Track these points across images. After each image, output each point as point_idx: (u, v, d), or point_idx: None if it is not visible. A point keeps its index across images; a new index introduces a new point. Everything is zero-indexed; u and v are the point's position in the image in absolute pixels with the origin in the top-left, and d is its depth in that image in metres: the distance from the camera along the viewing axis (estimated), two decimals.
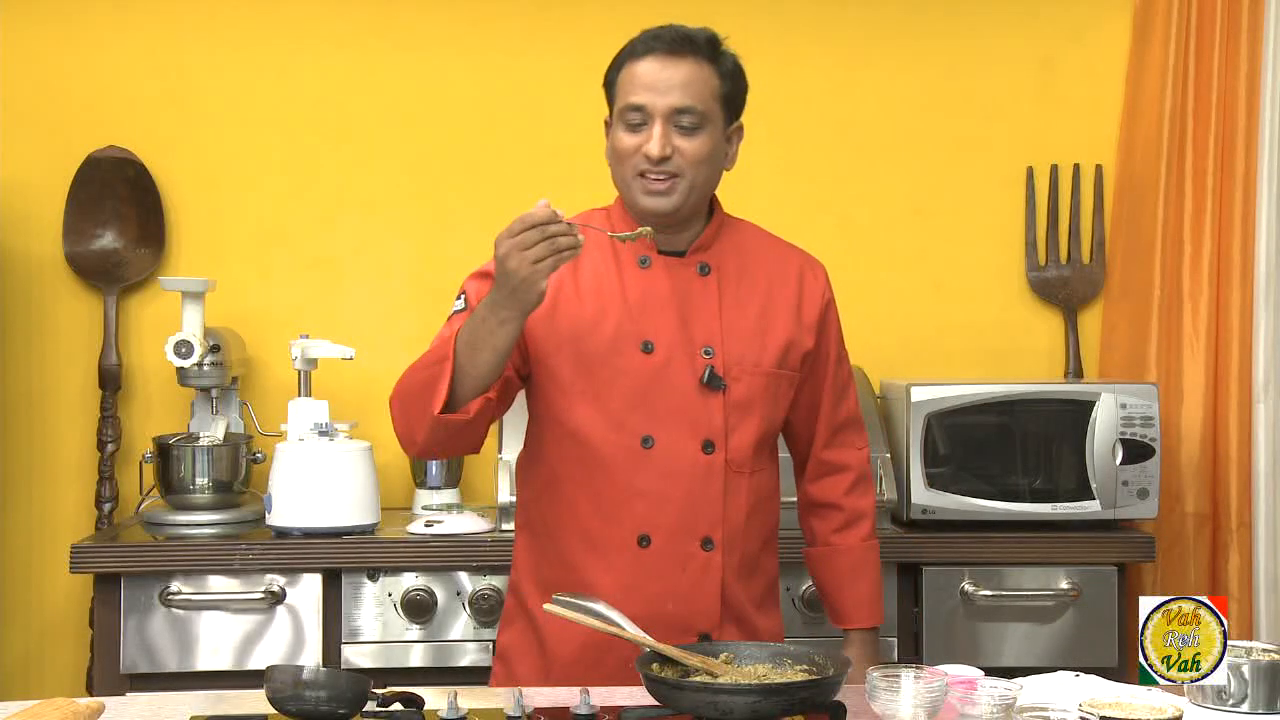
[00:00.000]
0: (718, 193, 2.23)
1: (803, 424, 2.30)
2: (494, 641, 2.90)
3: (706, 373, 2.11)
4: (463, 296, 2.16)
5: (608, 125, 2.18)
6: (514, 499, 2.97)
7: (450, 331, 2.07)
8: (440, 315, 3.40)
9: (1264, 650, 1.85)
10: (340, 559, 2.91)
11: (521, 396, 2.21)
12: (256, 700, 1.84)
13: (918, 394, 3.04)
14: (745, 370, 2.14)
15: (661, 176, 2.09)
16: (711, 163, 2.13)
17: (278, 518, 2.97)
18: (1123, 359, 3.42)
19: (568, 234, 1.89)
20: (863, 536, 2.31)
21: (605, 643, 2.02)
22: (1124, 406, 3.03)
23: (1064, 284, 3.51)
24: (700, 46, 2.12)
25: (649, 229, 2.07)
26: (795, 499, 2.36)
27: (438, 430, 2.02)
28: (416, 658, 2.92)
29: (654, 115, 2.08)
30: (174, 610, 2.89)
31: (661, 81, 2.09)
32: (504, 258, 1.90)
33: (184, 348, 3.10)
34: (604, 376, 2.11)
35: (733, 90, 2.16)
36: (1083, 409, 3.05)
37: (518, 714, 1.76)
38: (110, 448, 3.36)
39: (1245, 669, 1.80)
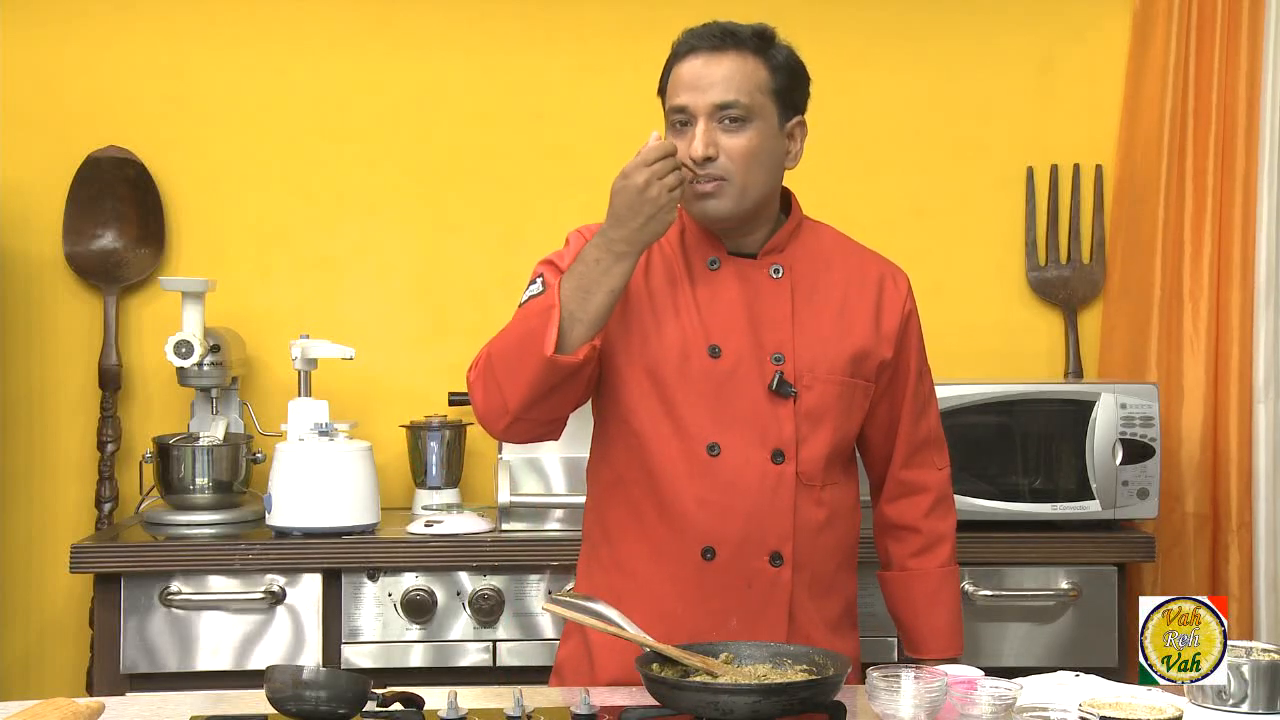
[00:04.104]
0: (800, 193, 2.17)
1: (881, 440, 2.21)
2: (494, 642, 2.92)
3: (775, 379, 2.03)
4: (539, 279, 2.07)
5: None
6: (514, 499, 2.99)
7: (525, 312, 2.01)
8: (441, 315, 3.47)
9: (1264, 650, 1.84)
10: (340, 559, 2.91)
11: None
12: (256, 700, 1.84)
13: None
14: (817, 378, 2.06)
15: (707, 180, 2.01)
16: (764, 160, 2.04)
17: (278, 518, 2.97)
18: (1123, 359, 3.42)
19: (682, 168, 1.95)
20: (941, 562, 2.21)
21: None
22: (1124, 406, 3.03)
23: (1064, 284, 3.51)
24: (745, 40, 2.04)
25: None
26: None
27: (543, 379, 1.94)
28: (416, 658, 2.92)
29: (697, 115, 2.01)
30: (174, 610, 2.89)
31: (704, 79, 2.02)
32: (644, 186, 1.90)
33: (184, 348, 3.10)
34: (669, 381, 2.04)
35: (788, 84, 2.07)
36: (1083, 409, 3.05)
37: (517, 714, 1.76)
38: (110, 448, 3.36)
39: (1245, 669, 1.80)
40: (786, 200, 2.17)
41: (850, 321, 2.11)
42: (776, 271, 2.10)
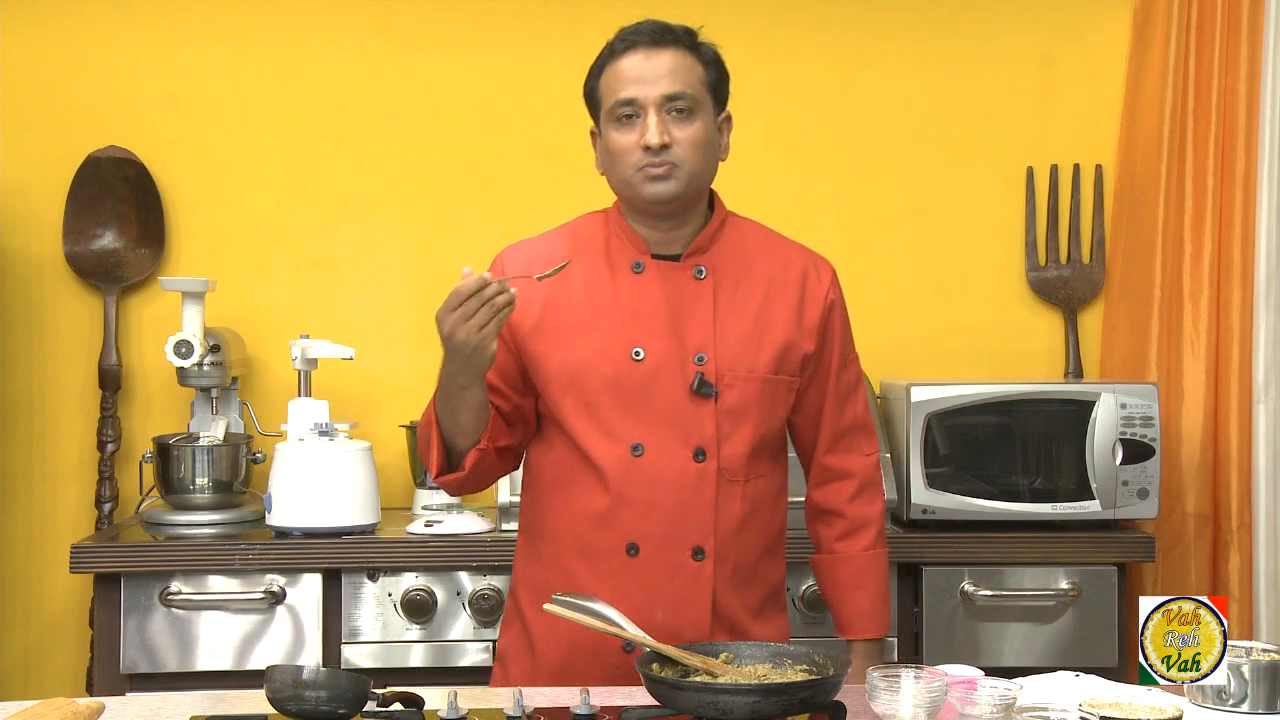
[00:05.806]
0: (722, 190, 2.21)
1: (806, 428, 2.26)
2: (494, 642, 2.92)
3: (696, 380, 2.08)
4: None
5: (594, 136, 2.17)
6: (514, 499, 2.98)
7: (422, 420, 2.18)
8: None
9: (1264, 650, 1.85)
10: (340, 559, 2.91)
11: None
12: (256, 700, 1.84)
13: (918, 394, 3.04)
14: (739, 376, 2.11)
15: (660, 165, 2.06)
16: (708, 150, 2.11)
17: (278, 518, 2.97)
18: (1123, 359, 3.42)
19: (501, 292, 1.94)
20: (865, 545, 2.25)
21: (592, 648, 2.04)
22: (1124, 406, 3.03)
23: (1064, 284, 3.51)
24: (680, 36, 2.11)
25: (568, 262, 2.09)
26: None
27: (447, 489, 2.16)
28: (416, 658, 2.92)
29: (646, 106, 2.06)
30: (174, 610, 2.89)
31: (649, 72, 2.07)
32: (451, 333, 1.95)
33: (184, 348, 3.10)
34: (594, 385, 2.10)
35: (717, 78, 2.14)
36: (1083, 409, 3.05)
37: (517, 714, 1.76)
38: (110, 448, 3.36)
39: (1245, 669, 1.80)
40: (710, 198, 2.22)
41: (772, 318, 2.16)
42: (699, 273, 2.14)
